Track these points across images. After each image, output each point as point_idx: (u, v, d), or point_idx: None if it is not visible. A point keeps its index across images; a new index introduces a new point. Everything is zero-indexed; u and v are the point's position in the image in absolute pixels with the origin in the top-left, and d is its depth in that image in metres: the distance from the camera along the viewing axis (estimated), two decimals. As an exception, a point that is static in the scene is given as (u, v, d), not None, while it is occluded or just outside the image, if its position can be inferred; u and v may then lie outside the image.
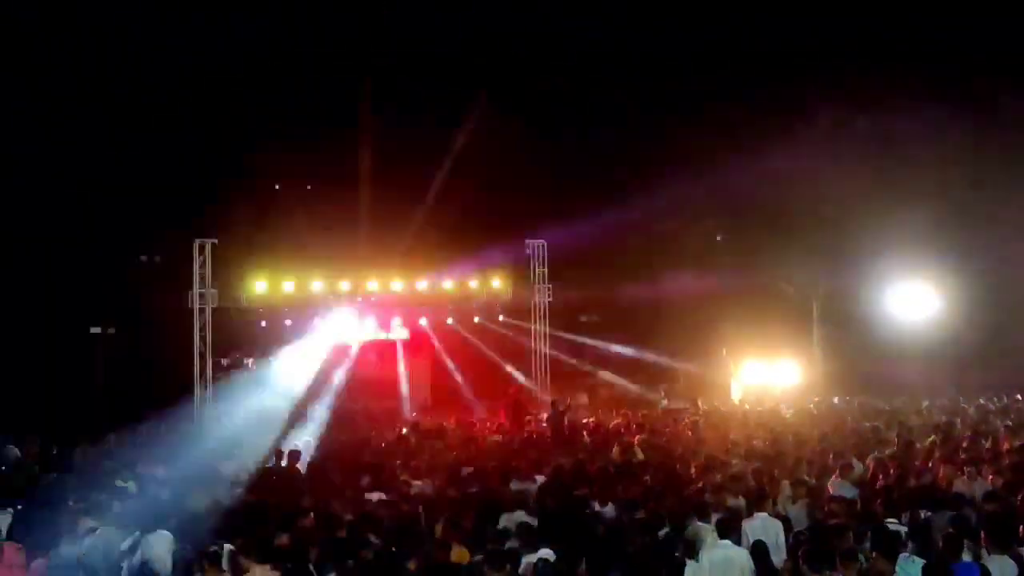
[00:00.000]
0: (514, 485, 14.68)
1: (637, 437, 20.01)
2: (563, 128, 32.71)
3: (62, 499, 14.21)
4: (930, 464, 15.17)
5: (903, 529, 10.41)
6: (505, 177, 30.49)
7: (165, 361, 27.83)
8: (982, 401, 25.19)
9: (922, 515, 11.14)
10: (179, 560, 10.50)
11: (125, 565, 10.67)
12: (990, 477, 13.60)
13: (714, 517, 11.23)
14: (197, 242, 27.71)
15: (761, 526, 10.96)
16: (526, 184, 31.14)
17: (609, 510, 12.62)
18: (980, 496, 12.44)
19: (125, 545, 11.13)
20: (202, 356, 27.84)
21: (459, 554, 10.21)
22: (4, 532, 11.93)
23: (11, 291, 27.27)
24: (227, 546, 10.32)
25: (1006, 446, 16.79)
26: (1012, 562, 9.35)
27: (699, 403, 27.84)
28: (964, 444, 17.06)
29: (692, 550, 9.94)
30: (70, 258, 28.88)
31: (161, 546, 10.87)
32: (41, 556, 10.73)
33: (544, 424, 24.68)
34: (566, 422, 23.75)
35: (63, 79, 27.54)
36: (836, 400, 27.77)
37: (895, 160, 28.67)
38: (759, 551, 9.87)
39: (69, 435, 22.00)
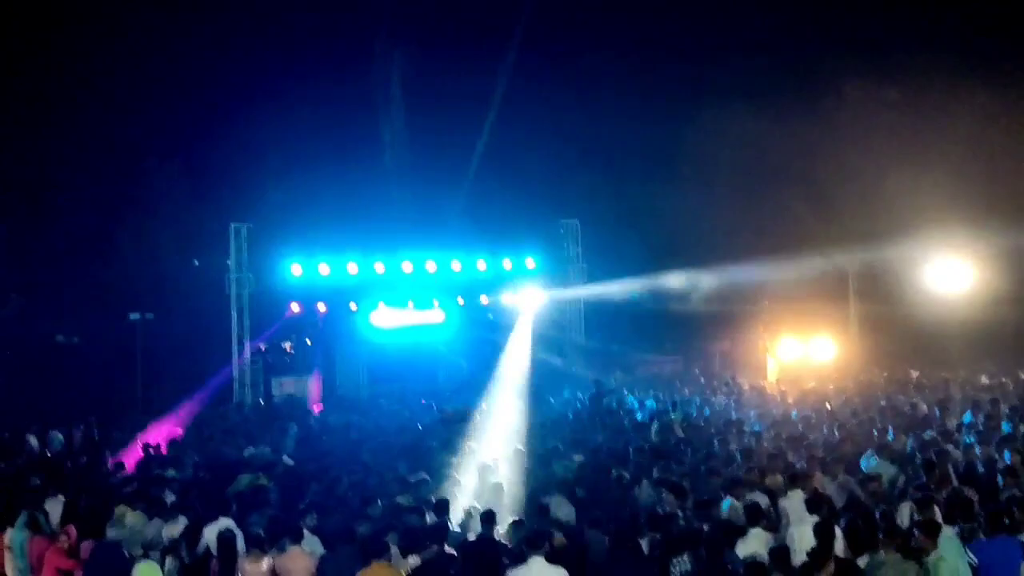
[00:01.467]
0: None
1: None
2: (596, 105, 32.47)
3: (108, 486, 14.50)
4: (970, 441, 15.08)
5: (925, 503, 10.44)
6: (541, 154, 30.43)
7: (203, 346, 28.10)
8: (1022, 376, 24.94)
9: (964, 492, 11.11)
10: (221, 543, 10.69)
11: (183, 552, 10.87)
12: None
13: (747, 498, 11.29)
14: (233, 226, 27.88)
15: (799, 505, 10.97)
16: (561, 162, 31.07)
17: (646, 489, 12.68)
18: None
19: (176, 532, 11.33)
20: (240, 341, 28.07)
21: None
22: (58, 518, 12.22)
23: (51, 281, 27.65)
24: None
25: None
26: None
27: (733, 382, 27.74)
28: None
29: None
30: (110, 245, 29.26)
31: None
32: (89, 540, 10.99)
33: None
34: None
35: (100, 62, 27.77)
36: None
37: (930, 132, 28.31)
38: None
39: (112, 421, 22.37)
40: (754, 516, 10.33)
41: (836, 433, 16.66)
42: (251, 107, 29.73)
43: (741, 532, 10.04)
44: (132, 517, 11.86)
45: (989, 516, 9.51)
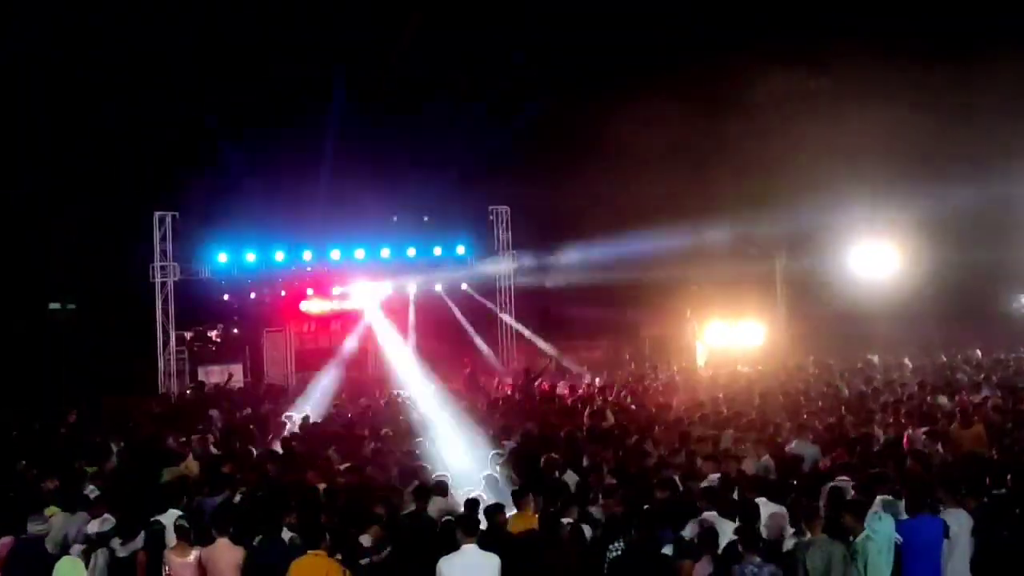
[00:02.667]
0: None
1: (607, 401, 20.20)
2: (527, 92, 32.45)
3: (27, 481, 14.14)
4: (891, 421, 15.36)
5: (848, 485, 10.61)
6: (469, 143, 30.34)
7: (127, 336, 27.63)
8: (944, 358, 25.52)
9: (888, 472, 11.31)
10: (149, 536, 10.52)
11: (116, 546, 10.69)
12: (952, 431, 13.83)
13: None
14: (157, 214, 27.47)
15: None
16: (490, 150, 30.99)
17: (570, 476, 12.72)
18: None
19: (105, 527, 11.10)
20: (165, 330, 27.67)
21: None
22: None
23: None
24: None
25: (975, 399, 17.06)
26: (967, 515, 9.56)
27: (659, 369, 28.02)
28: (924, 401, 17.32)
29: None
30: (28, 233, 28.57)
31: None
32: (9, 537, 10.71)
33: (510, 390, 24.81)
34: (537, 387, 23.92)
35: (22, 47, 27.05)
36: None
37: (855, 120, 28.71)
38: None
39: (32, 413, 21.83)
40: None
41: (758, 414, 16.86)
42: (176, 94, 29.25)
43: (678, 516, 10.09)
44: (53, 512, 11.60)
45: (911, 495, 9.69)
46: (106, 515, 11.37)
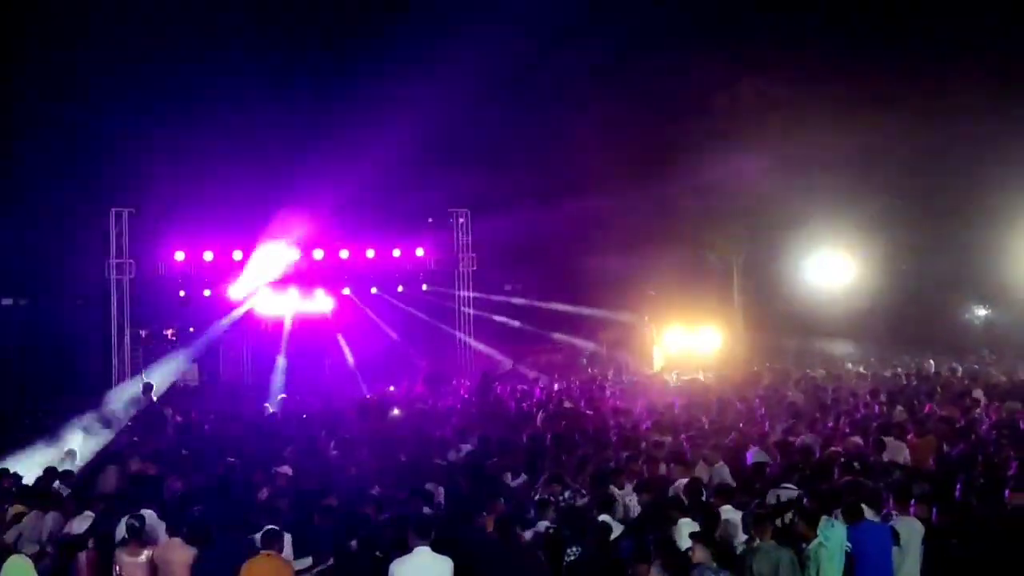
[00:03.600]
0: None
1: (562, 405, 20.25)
2: (493, 96, 32.39)
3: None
4: (847, 431, 15.47)
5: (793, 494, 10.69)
6: (430, 145, 30.27)
7: (81, 333, 27.29)
8: (899, 369, 25.77)
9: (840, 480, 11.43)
10: (99, 537, 10.44)
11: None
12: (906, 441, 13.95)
13: (628, 486, 11.50)
14: (113, 211, 27.19)
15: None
16: (451, 153, 30.94)
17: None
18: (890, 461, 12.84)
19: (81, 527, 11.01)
20: (120, 328, 27.36)
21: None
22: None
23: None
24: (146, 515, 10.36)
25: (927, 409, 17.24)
26: (919, 523, 9.68)
27: (616, 373, 28.14)
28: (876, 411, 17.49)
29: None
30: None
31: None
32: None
33: (466, 393, 24.84)
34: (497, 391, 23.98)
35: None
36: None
37: (813, 130, 28.99)
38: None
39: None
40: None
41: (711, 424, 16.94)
42: (134, 89, 28.94)
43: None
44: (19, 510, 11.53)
45: (859, 501, 9.80)
46: (87, 512, 11.27)
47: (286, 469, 13.51)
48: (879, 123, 27.52)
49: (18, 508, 11.65)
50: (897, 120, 27.43)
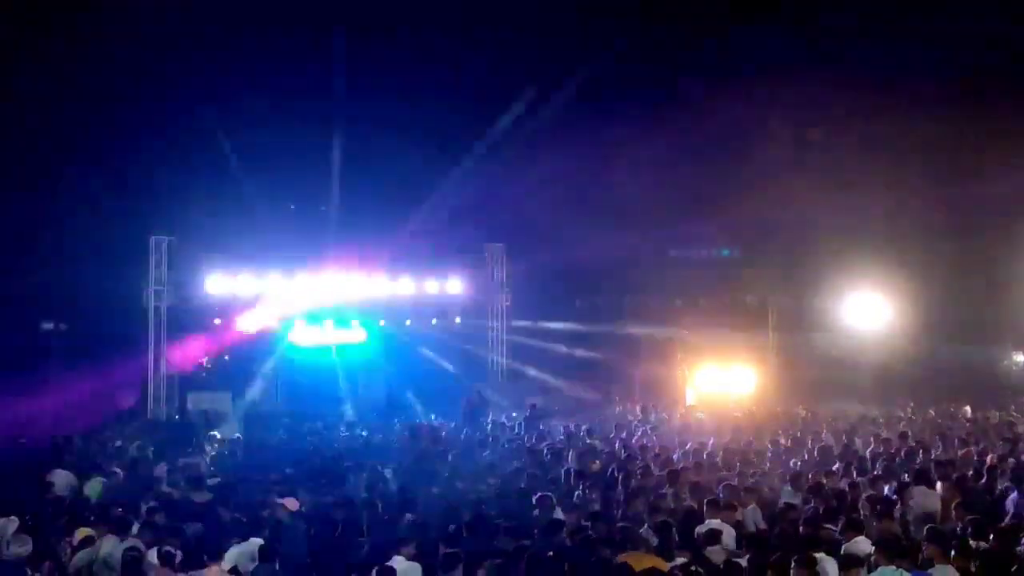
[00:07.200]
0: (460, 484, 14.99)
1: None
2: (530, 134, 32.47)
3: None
4: (879, 474, 15.30)
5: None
6: (469, 177, 30.48)
7: (117, 359, 27.48)
8: (932, 412, 25.50)
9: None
10: (130, 560, 10.44)
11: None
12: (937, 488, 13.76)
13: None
14: (153, 238, 27.43)
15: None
16: (489, 188, 31.09)
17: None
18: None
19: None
20: (156, 355, 27.53)
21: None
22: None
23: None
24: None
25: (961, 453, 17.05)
26: (955, 571, 9.52)
27: (645, 411, 27.95)
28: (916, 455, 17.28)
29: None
30: (23, 253, 28.51)
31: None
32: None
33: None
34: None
35: (15, 66, 27.09)
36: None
37: (851, 172, 28.93)
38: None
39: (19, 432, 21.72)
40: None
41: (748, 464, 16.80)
42: (174, 120, 29.37)
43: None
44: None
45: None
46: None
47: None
48: (920, 166, 27.45)
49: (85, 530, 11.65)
50: (938, 164, 27.35)
